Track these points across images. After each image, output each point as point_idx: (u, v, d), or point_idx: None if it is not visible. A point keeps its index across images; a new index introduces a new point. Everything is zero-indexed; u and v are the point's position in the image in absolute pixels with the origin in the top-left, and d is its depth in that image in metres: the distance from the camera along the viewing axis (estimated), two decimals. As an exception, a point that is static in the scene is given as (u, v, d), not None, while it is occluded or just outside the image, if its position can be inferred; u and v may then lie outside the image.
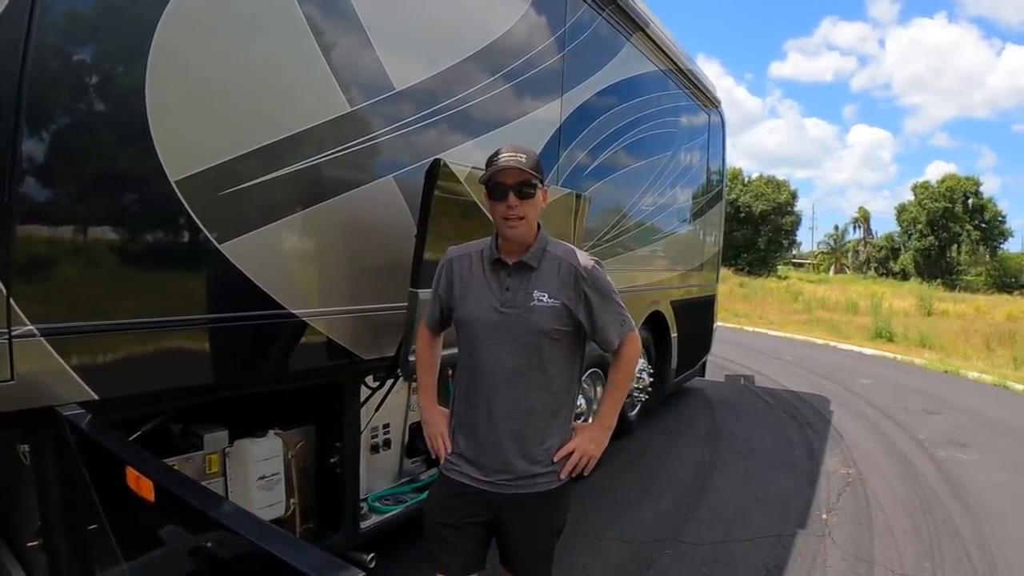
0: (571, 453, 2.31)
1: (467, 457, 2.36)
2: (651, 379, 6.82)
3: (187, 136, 2.32)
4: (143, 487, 1.64)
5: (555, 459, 2.29)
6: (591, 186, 4.96)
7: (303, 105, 2.71)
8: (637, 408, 6.78)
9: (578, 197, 4.09)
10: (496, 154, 2.25)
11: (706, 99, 7.74)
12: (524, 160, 2.19)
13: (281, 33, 2.62)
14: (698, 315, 8.12)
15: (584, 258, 2.32)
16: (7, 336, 1.92)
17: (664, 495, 5.26)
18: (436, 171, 2.88)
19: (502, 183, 2.21)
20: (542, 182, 2.27)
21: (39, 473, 2.17)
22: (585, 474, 2.35)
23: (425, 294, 2.63)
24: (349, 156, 2.86)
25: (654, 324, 6.86)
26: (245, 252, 2.50)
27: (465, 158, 3.27)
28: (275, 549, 1.29)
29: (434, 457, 2.49)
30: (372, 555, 3.04)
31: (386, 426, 3.66)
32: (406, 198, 3.12)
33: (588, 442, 2.34)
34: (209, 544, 1.36)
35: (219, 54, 2.42)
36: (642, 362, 6.71)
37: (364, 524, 3.27)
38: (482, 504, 2.33)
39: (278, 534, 1.35)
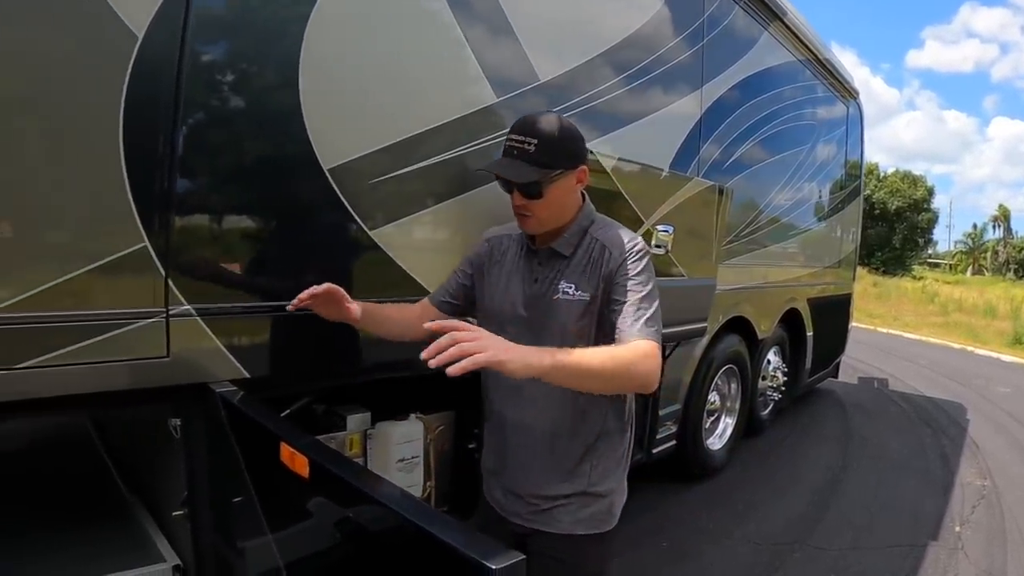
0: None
1: (493, 472, 2.09)
2: (785, 378, 6.60)
3: (339, 126, 2.31)
4: (297, 463, 1.62)
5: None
6: (730, 180, 4.75)
7: (450, 96, 2.66)
8: (770, 407, 6.57)
9: (720, 191, 3.93)
10: (510, 130, 1.85)
11: (844, 90, 7.36)
12: (533, 149, 1.76)
13: (429, 25, 2.58)
14: (834, 314, 7.78)
15: (622, 238, 1.87)
16: (164, 315, 1.96)
17: (793, 496, 5.09)
18: None
19: (503, 179, 1.85)
20: (569, 167, 1.84)
21: (188, 447, 2.22)
22: (448, 369, 1.38)
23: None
24: (495, 146, 2.78)
25: (790, 322, 6.62)
26: (396, 239, 2.49)
27: (608, 149, 3.18)
28: (439, 531, 1.24)
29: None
30: (505, 541, 3.00)
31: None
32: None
33: (499, 341, 1.50)
34: (363, 521, 1.33)
35: (369, 45, 2.39)
36: (776, 360, 6.52)
37: (498, 510, 3.21)
38: (509, 533, 2.00)
39: (441, 518, 1.30)
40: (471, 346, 1.40)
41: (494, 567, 1.12)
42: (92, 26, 1.74)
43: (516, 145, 1.79)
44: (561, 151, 1.80)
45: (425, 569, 1.29)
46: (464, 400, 2.99)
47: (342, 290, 2.00)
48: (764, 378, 6.32)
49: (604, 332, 1.84)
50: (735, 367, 5.50)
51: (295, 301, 1.99)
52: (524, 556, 1.16)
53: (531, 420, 1.90)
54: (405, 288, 2.53)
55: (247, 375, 2.16)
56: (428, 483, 2.90)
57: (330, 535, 1.76)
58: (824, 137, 6.94)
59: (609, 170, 2.99)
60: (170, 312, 1.97)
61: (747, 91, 5.03)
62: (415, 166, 2.50)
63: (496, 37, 2.83)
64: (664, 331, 3.56)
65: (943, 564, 4.13)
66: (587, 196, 1.97)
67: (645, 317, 1.76)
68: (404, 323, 2.11)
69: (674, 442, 4.71)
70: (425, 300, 2.17)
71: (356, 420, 2.67)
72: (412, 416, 2.81)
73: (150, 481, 2.73)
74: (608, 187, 3.00)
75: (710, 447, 5.32)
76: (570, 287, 1.86)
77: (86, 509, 2.66)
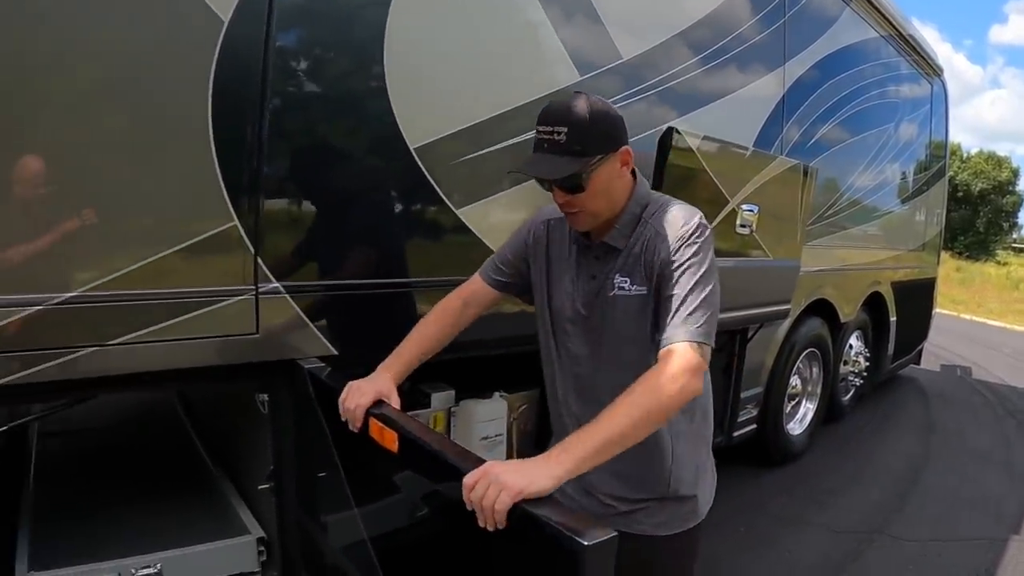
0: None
1: None
2: (867, 363, 6.40)
3: (424, 106, 2.30)
4: (387, 438, 1.61)
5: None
6: (814, 160, 4.59)
7: (534, 75, 2.63)
8: (851, 393, 6.38)
9: (806, 170, 3.82)
10: (537, 121, 1.60)
11: (928, 67, 7.03)
12: (564, 139, 1.53)
13: (512, 5, 2.56)
14: (917, 299, 7.50)
15: (675, 220, 1.63)
16: (254, 292, 1.99)
17: (872, 485, 4.94)
18: (669, 139, 2.76)
19: (537, 178, 1.63)
20: (609, 150, 1.59)
21: (275, 422, 2.25)
22: (486, 523, 1.26)
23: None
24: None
25: (873, 306, 6.41)
26: (481, 219, 2.48)
27: (692, 128, 3.08)
28: (531, 506, 1.23)
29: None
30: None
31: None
32: (636, 166, 2.94)
33: (509, 469, 1.29)
34: (453, 495, 1.31)
35: (453, 25, 2.38)
36: (859, 344, 6.32)
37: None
38: None
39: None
40: (488, 500, 1.24)
41: (586, 543, 1.10)
42: (178, 11, 1.77)
43: (545, 137, 1.56)
44: (596, 135, 1.56)
45: (517, 543, 1.27)
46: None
47: (380, 393, 1.73)
48: (846, 363, 6.13)
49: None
50: (817, 351, 5.35)
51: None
52: (616, 533, 1.13)
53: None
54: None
55: (335, 352, 2.18)
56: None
57: (417, 508, 1.76)
58: (908, 116, 6.67)
59: (695, 149, 2.92)
60: (259, 290, 2.00)
61: (830, 69, 4.86)
62: (500, 145, 2.48)
63: (578, 15, 2.77)
64: (747, 312, 3.51)
65: (1025, 559, 3.98)
66: (638, 176, 1.75)
67: (687, 312, 1.54)
68: (450, 330, 1.93)
69: (755, 426, 4.61)
70: (475, 281, 1.97)
71: (440, 398, 2.66)
72: (496, 395, 2.80)
73: (235, 455, 2.79)
74: (693, 165, 2.94)
75: (790, 432, 5.20)
76: (625, 281, 1.66)
77: (173, 482, 2.73)
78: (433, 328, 1.91)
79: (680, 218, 1.63)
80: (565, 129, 1.53)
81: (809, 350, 5.22)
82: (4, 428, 2.09)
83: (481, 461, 1.36)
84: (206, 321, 1.91)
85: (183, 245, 1.84)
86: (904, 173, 6.79)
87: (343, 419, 1.72)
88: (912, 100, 6.77)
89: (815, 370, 5.48)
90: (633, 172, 1.73)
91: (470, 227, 2.45)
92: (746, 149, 3.45)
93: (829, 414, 5.91)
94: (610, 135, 1.60)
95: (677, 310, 1.54)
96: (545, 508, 1.23)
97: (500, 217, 2.54)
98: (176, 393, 3.67)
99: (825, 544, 3.96)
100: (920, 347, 8.16)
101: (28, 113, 1.61)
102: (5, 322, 1.62)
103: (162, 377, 1.93)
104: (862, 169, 5.69)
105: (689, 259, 1.57)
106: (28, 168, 1.62)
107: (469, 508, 1.28)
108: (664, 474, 1.76)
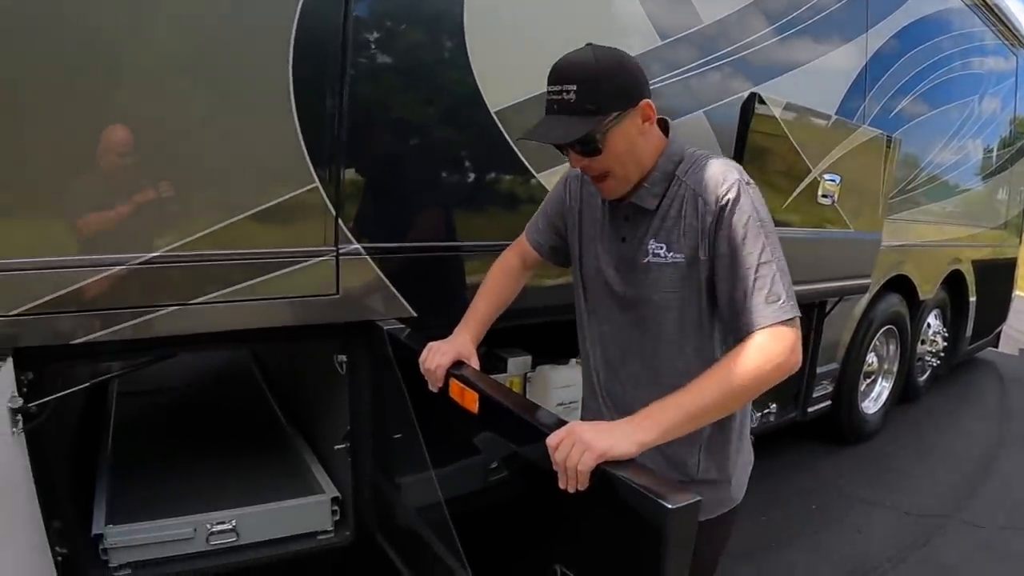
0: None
1: None
2: (944, 344, 6.20)
3: (504, 69, 2.28)
4: (467, 399, 1.60)
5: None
6: (896, 132, 4.41)
7: (614, 39, 2.53)
8: (927, 373, 6.19)
9: (889, 140, 3.70)
10: (547, 81, 1.46)
11: (1014, 38, 6.68)
12: (573, 98, 1.39)
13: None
14: (997, 279, 7.20)
15: (716, 179, 1.46)
16: (335, 254, 2.00)
17: (945, 469, 4.78)
18: (752, 105, 2.71)
19: (553, 144, 1.51)
20: (626, 106, 1.44)
21: (353, 382, 2.27)
22: (568, 484, 1.24)
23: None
24: (660, 89, 2.68)
25: (952, 285, 6.20)
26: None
27: (774, 94, 3.00)
28: (615, 468, 1.21)
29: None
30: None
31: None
32: (716, 133, 2.91)
33: (593, 430, 1.26)
34: (535, 457, 1.29)
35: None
36: (937, 324, 6.13)
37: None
38: None
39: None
40: (573, 460, 1.21)
41: (671, 506, 1.09)
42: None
43: (555, 98, 1.42)
44: (609, 90, 1.41)
45: (598, 505, 1.26)
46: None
47: (460, 354, 1.72)
48: (923, 342, 5.95)
49: (717, 306, 1.52)
50: (895, 328, 5.20)
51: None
52: (700, 498, 1.12)
53: (630, 401, 1.53)
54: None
55: (413, 313, 2.18)
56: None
57: (493, 470, 1.74)
58: (992, 89, 6.39)
59: (777, 116, 2.86)
60: (340, 251, 2.01)
61: (913, 38, 4.68)
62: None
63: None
64: (826, 285, 3.41)
65: (1104, 554, 3.81)
66: (671, 128, 1.59)
67: (766, 290, 1.39)
68: (515, 286, 1.90)
69: (829, 402, 4.52)
70: (522, 245, 1.91)
71: (517, 363, 2.66)
72: (572, 361, 2.76)
73: (311, 416, 2.83)
74: (776, 132, 2.87)
75: (865, 410, 5.08)
76: (660, 247, 1.50)
77: (249, 441, 2.79)
78: (498, 287, 1.88)
79: (718, 177, 1.46)
80: (574, 87, 1.39)
81: (887, 327, 5.07)
82: (85, 385, 2.12)
83: (564, 423, 1.34)
84: (287, 281, 1.93)
85: (265, 206, 1.85)
86: (987, 148, 6.51)
87: (425, 379, 1.72)
88: (997, 73, 6.48)
89: (892, 348, 5.33)
90: (665, 125, 1.58)
91: (549, 191, 2.40)
92: (829, 118, 3.35)
93: (904, 394, 5.75)
94: (625, 89, 1.45)
95: (752, 292, 1.40)
96: (627, 471, 1.21)
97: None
98: (252, 354, 3.73)
99: (895, 526, 3.88)
100: (999, 329, 7.86)
101: (116, 81, 1.64)
102: (88, 281, 1.66)
103: (243, 336, 1.96)
104: (944, 143, 5.48)
105: (745, 226, 1.42)
106: (116, 133, 1.66)
107: (555, 468, 1.25)
108: (693, 458, 1.62)
